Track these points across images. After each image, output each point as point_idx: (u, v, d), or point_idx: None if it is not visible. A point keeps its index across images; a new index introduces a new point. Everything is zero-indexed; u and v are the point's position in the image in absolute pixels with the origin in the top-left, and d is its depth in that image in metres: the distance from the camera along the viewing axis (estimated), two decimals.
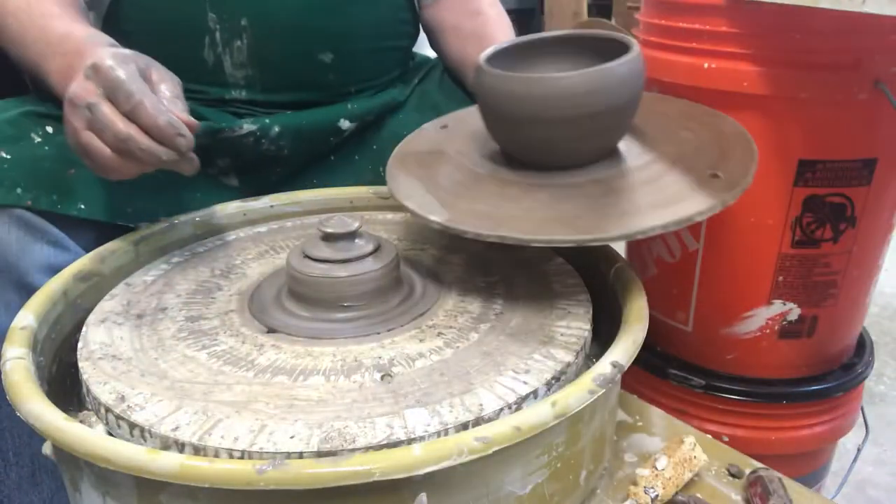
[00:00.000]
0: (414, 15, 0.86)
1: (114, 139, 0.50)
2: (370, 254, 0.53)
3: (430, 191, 0.54)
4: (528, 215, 0.49)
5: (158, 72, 0.55)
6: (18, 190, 0.59)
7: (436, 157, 0.60)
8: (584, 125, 0.52)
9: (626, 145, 0.57)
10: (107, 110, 0.50)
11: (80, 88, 0.51)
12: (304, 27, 0.73)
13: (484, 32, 0.84)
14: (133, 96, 0.50)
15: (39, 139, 0.63)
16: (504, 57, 0.58)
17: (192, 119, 0.53)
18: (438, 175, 0.57)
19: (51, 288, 0.53)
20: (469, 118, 0.66)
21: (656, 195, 0.50)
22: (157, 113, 0.50)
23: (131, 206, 0.66)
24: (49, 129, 0.64)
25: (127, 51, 0.54)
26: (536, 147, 0.54)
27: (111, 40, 0.59)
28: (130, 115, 0.50)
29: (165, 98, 0.53)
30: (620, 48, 0.54)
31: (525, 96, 0.51)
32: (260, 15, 0.71)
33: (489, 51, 0.58)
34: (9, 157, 0.60)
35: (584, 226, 0.47)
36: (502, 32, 0.84)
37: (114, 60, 0.51)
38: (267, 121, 0.73)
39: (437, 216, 0.51)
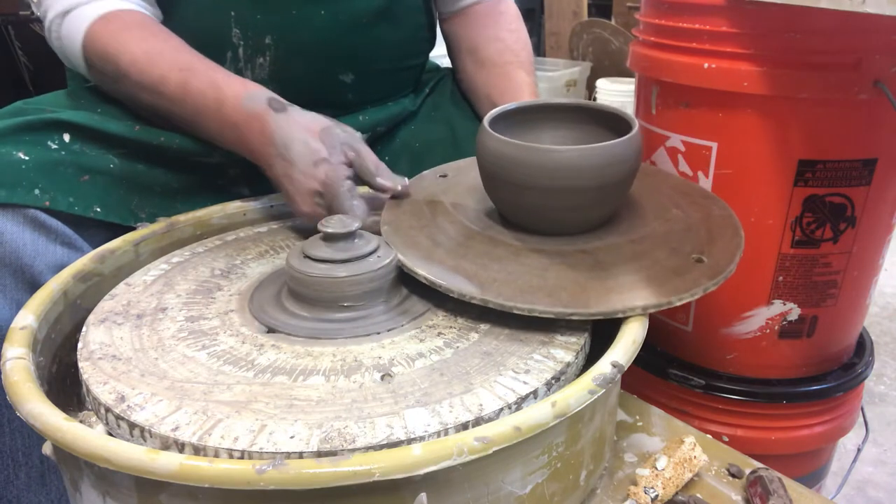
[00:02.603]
0: (433, 33, 0.86)
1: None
2: (370, 254, 0.53)
3: (421, 243, 0.56)
4: (514, 280, 0.50)
5: (353, 146, 0.61)
6: (36, 191, 0.60)
7: (432, 207, 0.61)
8: (578, 198, 0.53)
9: (617, 217, 0.59)
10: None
11: (314, 212, 0.60)
12: (327, 48, 0.73)
13: (500, 61, 0.83)
14: (357, 220, 0.57)
15: (56, 146, 0.64)
16: (509, 117, 0.60)
17: (401, 180, 0.62)
18: (431, 227, 0.58)
19: (51, 288, 0.53)
20: (468, 169, 0.68)
21: (640, 274, 0.51)
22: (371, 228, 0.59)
23: (144, 211, 0.67)
24: (66, 138, 0.65)
25: (320, 144, 0.59)
26: (530, 213, 0.56)
27: (265, 94, 0.62)
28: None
29: (379, 173, 0.62)
30: (622, 123, 0.56)
31: (523, 163, 0.53)
32: (285, 35, 0.71)
33: (494, 112, 0.59)
34: (27, 158, 0.61)
35: (567, 299, 0.48)
36: (518, 64, 0.83)
37: (334, 186, 0.58)
38: None
39: (423, 270, 0.52)
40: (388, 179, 0.62)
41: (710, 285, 0.50)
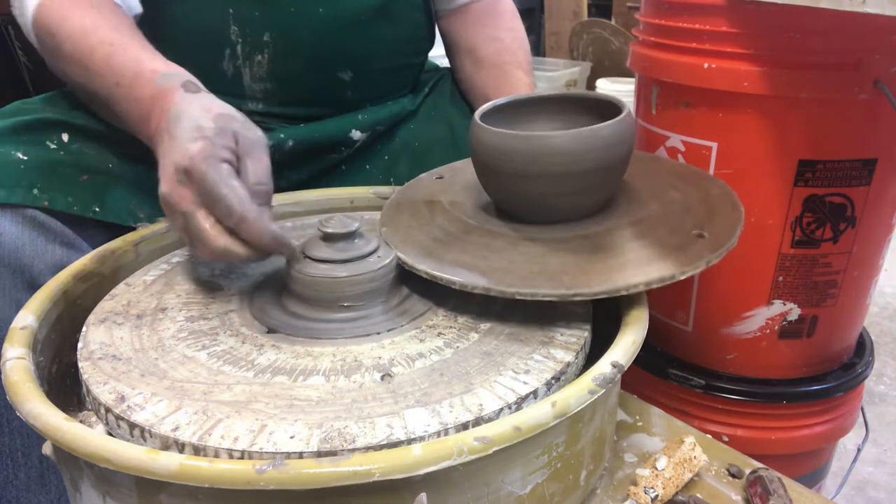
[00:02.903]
0: (431, 32, 0.86)
1: (210, 252, 0.50)
2: (370, 254, 0.53)
3: (421, 240, 0.56)
4: (514, 268, 0.50)
5: (246, 144, 0.51)
6: (35, 191, 0.60)
7: (430, 206, 0.62)
8: (573, 183, 0.53)
9: (614, 202, 0.59)
10: (203, 224, 0.49)
11: (174, 193, 0.49)
12: (326, 46, 0.73)
13: (498, 61, 0.83)
14: (233, 213, 0.48)
15: (54, 146, 0.64)
16: (500, 111, 0.60)
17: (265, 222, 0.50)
18: (430, 224, 0.58)
19: (51, 288, 0.53)
20: (464, 169, 0.68)
21: (641, 252, 0.51)
22: (261, 231, 0.48)
23: (143, 210, 0.67)
24: (64, 137, 0.65)
25: (210, 123, 0.50)
26: (526, 202, 0.56)
27: (184, 76, 0.57)
28: (233, 229, 0.49)
29: (253, 186, 0.50)
30: (613, 110, 0.56)
31: (516, 152, 0.53)
32: (283, 32, 0.71)
33: (485, 107, 0.59)
34: (26, 158, 0.61)
35: (569, 281, 0.48)
36: (517, 64, 0.83)
37: (205, 163, 0.48)
38: (282, 135, 0.73)
39: (424, 265, 0.52)
40: (246, 203, 0.48)
41: (713, 258, 0.49)
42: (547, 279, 0.48)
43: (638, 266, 0.49)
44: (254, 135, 0.53)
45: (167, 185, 0.50)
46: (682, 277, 0.48)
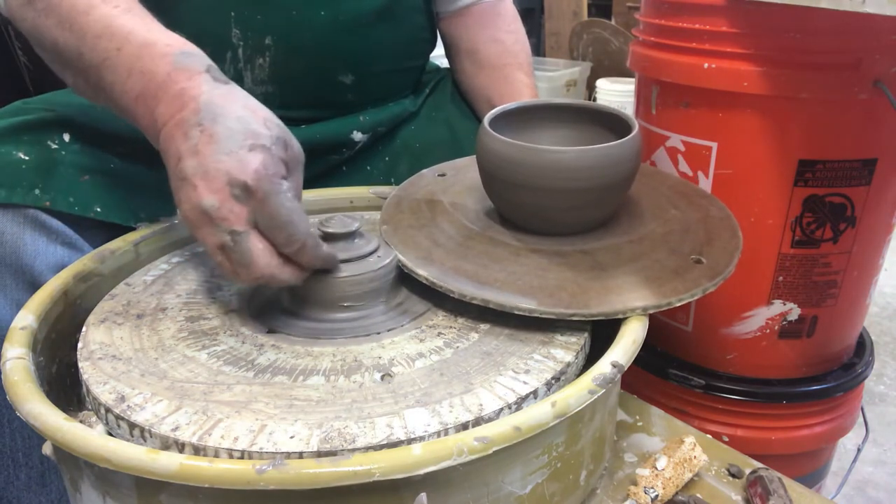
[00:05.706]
0: (433, 34, 0.86)
1: (252, 278, 0.46)
2: (370, 254, 0.53)
3: (421, 243, 0.56)
4: (513, 280, 0.50)
5: (292, 160, 0.47)
6: (36, 191, 0.60)
7: (431, 206, 0.61)
8: (577, 198, 0.54)
9: (616, 218, 0.59)
10: (256, 246, 0.45)
11: (224, 208, 0.43)
12: (327, 49, 0.73)
13: (499, 63, 0.83)
14: (295, 242, 0.45)
15: (56, 145, 0.64)
16: (508, 116, 0.60)
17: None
18: (431, 226, 0.58)
19: (51, 288, 0.53)
20: (467, 168, 0.68)
21: (640, 275, 0.51)
22: (317, 257, 0.47)
23: (144, 210, 0.67)
24: (65, 137, 0.65)
25: (264, 129, 0.45)
26: (529, 212, 0.56)
27: (206, 59, 0.50)
28: (287, 254, 0.46)
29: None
30: (622, 124, 0.57)
31: (523, 164, 0.53)
32: (285, 35, 0.71)
33: (494, 112, 0.59)
34: (27, 158, 0.61)
35: (567, 299, 0.48)
36: (518, 66, 0.83)
37: (269, 182, 0.43)
38: None
39: (423, 271, 0.52)
40: (308, 229, 0.46)
41: (710, 286, 0.50)
42: (547, 295, 0.49)
43: (635, 289, 0.49)
44: (299, 147, 0.49)
45: (217, 197, 0.43)
46: (678, 304, 0.49)
